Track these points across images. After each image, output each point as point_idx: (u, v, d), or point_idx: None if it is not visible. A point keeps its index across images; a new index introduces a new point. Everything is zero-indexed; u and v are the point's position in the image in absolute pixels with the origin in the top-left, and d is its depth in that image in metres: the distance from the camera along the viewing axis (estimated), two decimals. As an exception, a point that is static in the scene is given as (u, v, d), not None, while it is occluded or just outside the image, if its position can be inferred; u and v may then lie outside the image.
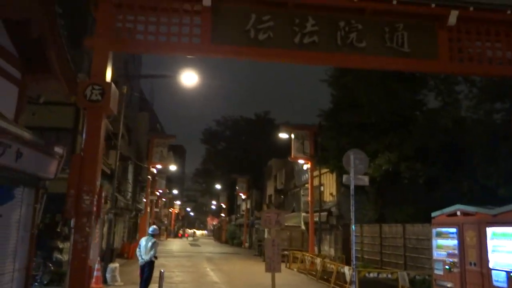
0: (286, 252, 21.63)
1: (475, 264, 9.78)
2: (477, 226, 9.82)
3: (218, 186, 63.07)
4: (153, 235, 10.63)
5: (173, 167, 37.11)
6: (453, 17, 9.97)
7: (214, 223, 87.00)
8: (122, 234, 26.49)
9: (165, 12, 9.54)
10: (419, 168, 14.38)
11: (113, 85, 9.02)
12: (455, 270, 10.32)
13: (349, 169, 10.04)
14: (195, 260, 25.14)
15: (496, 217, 9.38)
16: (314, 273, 16.73)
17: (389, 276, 12.15)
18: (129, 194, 28.05)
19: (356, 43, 9.92)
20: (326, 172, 23.03)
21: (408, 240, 15.25)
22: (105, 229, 15.81)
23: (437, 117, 14.12)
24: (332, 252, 22.48)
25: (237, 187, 46.73)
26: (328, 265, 15.34)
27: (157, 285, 10.12)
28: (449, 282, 10.51)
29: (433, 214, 11.58)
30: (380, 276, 12.33)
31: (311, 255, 19.02)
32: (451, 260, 10.59)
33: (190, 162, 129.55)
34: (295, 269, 19.36)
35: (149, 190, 29.81)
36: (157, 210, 46.94)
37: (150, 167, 28.51)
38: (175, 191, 68.60)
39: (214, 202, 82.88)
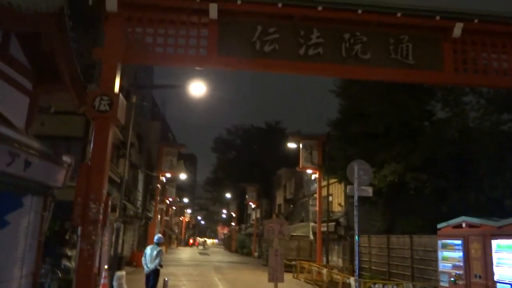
0: (293, 262, 21.62)
1: (480, 277, 9.71)
2: (482, 238, 9.76)
3: (228, 195, 63.16)
4: (158, 244, 10.76)
5: (183, 176, 37.29)
6: (458, 29, 10.04)
7: (224, 232, 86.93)
8: (132, 242, 26.68)
9: (173, 25, 9.77)
10: (425, 179, 14.32)
11: (121, 95, 9.24)
12: (460, 282, 10.26)
13: (353, 180, 10.08)
14: (203, 269, 25.20)
15: (501, 229, 9.33)
16: (321, 283, 16.67)
17: (395, 287, 12.08)
18: (139, 203, 28.28)
19: (360, 54, 10.03)
20: (334, 182, 22.98)
21: (415, 251, 15.14)
22: (113, 237, 15.98)
23: (444, 127, 14.07)
24: (341, 262, 22.35)
25: (247, 196, 46.76)
26: (335, 275, 15.30)
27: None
28: (455, 294, 10.44)
29: (439, 226, 11.55)
30: (386, 287, 12.27)
31: (318, 265, 18.95)
32: (456, 272, 10.53)
33: (201, 170, 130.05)
34: (302, 280, 19.29)
35: (158, 198, 30.01)
36: (167, 218, 47.10)
37: (160, 175, 28.72)
38: (185, 200, 68.77)
39: (224, 211, 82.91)
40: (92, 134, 10.89)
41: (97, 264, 8.64)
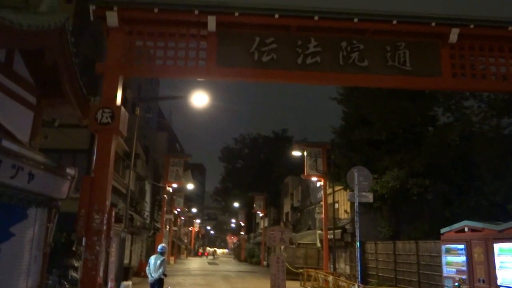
0: (300, 270, 21.60)
1: (483, 281, 9.68)
2: (484, 242, 9.75)
3: (236, 204, 63.18)
4: (162, 253, 10.87)
5: (190, 186, 37.50)
6: (454, 35, 10.12)
7: (234, 242, 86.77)
8: (140, 253, 26.81)
9: (172, 38, 9.98)
10: (427, 185, 14.31)
11: (122, 108, 9.43)
12: (464, 287, 10.22)
13: (353, 186, 10.14)
14: (211, 278, 25.21)
15: (502, 233, 9.32)
16: (328, 291, 16.67)
17: (400, 293, 12.06)
18: (146, 213, 28.46)
19: (358, 62, 10.12)
20: (340, 190, 22.99)
21: (421, 257, 15.08)
22: (115, 247, 16.12)
23: (446, 133, 14.09)
24: (348, 269, 22.25)
25: (254, 205, 46.76)
26: (340, 282, 15.29)
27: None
28: (460, 299, 10.40)
29: (442, 231, 11.54)
30: (391, 293, 12.25)
31: (324, 272, 18.93)
32: (462, 277, 10.49)
33: (211, 180, 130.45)
34: (309, 287, 19.27)
35: (165, 209, 30.17)
36: (175, 229, 47.20)
37: (166, 186, 28.91)
38: (194, 210, 68.86)
39: (233, 220, 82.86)
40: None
41: (101, 274, 8.76)
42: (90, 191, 8.73)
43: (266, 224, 46.65)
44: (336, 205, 23.88)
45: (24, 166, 7.00)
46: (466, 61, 10.38)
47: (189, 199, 68.02)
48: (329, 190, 23.65)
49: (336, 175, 19.88)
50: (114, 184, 17.44)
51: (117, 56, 9.62)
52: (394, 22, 9.95)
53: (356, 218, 10.21)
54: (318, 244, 26.31)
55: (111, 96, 9.36)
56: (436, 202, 15.15)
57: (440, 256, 12.56)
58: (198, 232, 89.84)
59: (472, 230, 10.29)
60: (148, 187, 30.64)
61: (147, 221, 28.94)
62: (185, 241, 68.32)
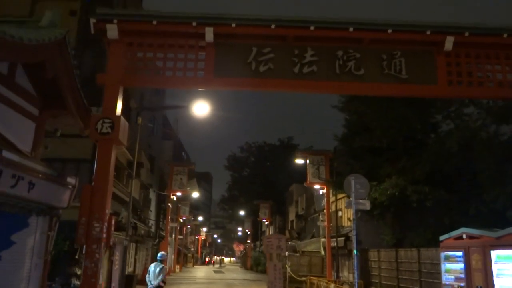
0: (304, 278, 21.59)
1: (482, 288, 9.67)
2: (482, 250, 9.75)
3: (242, 213, 63.21)
4: (161, 261, 11.00)
5: (195, 194, 37.60)
6: (449, 43, 10.20)
7: (240, 250, 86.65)
8: (145, 261, 26.93)
9: (171, 49, 10.19)
10: (426, 192, 14.32)
11: (122, 118, 9.63)
12: (463, 294, 10.21)
13: (350, 194, 10.22)
14: (216, 286, 25.26)
15: (499, 240, 9.33)
16: (329, 299, 16.67)
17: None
18: (151, 222, 28.62)
19: (354, 71, 10.24)
20: (343, 197, 22.99)
21: (423, 264, 15.05)
22: (118, 255, 16.28)
23: (445, 140, 14.13)
24: (351, 277, 22.19)
25: (260, 213, 46.78)
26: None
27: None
28: (459, 307, 10.38)
29: (441, 238, 11.54)
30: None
31: (326, 280, 18.92)
32: (459, 284, 10.49)
33: (218, 188, 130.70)
34: (312, 295, 19.30)
35: (169, 217, 30.30)
36: (181, 237, 47.29)
37: (170, 194, 29.09)
38: (200, 218, 68.95)
39: (240, 229, 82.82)
40: (97, 156, 11.20)
41: (100, 281, 8.90)
42: (90, 200, 8.90)
43: (271, 232, 46.60)
44: (340, 213, 23.89)
45: (24, 176, 7.19)
46: (462, 69, 10.43)
47: (196, 207, 68.17)
48: (333, 198, 23.67)
49: (338, 183, 19.88)
50: (117, 193, 17.69)
51: (118, 68, 9.84)
52: (389, 31, 10.07)
53: (353, 226, 10.26)
54: (322, 252, 26.27)
55: (111, 107, 9.56)
56: (437, 209, 15.14)
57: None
58: (205, 240, 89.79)
59: (470, 237, 10.30)
60: (153, 196, 30.84)
61: (152, 230, 29.10)
62: (192, 249, 68.36)
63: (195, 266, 63.52)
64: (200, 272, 45.20)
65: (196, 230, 72.25)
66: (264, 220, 47.73)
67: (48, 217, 8.50)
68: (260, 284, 28.44)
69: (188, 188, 32.12)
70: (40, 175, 7.65)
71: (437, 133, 16.81)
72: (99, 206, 8.92)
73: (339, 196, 22.67)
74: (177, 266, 43.80)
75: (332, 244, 22.69)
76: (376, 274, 19.18)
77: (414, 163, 15.77)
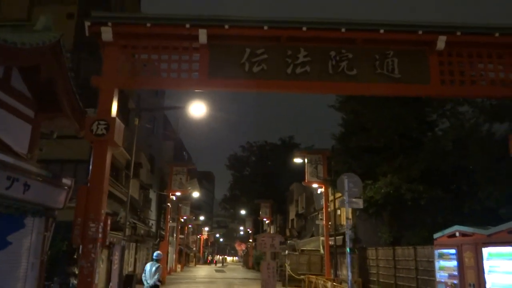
0: (302, 277, 21.70)
1: (474, 286, 9.75)
2: (474, 247, 9.83)
3: (243, 212, 63.29)
4: (157, 260, 11.13)
5: (196, 194, 37.72)
6: (441, 42, 10.26)
7: (242, 249, 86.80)
8: (145, 261, 27.09)
9: (166, 50, 10.29)
10: (421, 190, 14.40)
11: (117, 119, 9.75)
12: (456, 291, 10.30)
13: (344, 193, 10.32)
14: (215, 285, 25.40)
15: (490, 237, 9.40)
16: (327, 297, 16.78)
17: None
18: (151, 222, 28.76)
19: (347, 71, 10.32)
20: (341, 196, 23.08)
21: (419, 262, 15.13)
22: (117, 255, 16.42)
23: (440, 138, 14.21)
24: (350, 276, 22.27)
25: (260, 212, 46.89)
26: (338, 288, 15.42)
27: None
28: (452, 304, 10.47)
29: (435, 236, 11.63)
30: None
31: (324, 279, 19.02)
32: (452, 281, 10.58)
33: (221, 188, 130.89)
34: (310, 294, 19.42)
35: (169, 217, 30.46)
36: (182, 236, 47.46)
37: (170, 194, 29.26)
38: (202, 217, 69.09)
39: (241, 228, 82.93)
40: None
41: (96, 281, 9.02)
42: (86, 200, 9.03)
43: (272, 231, 46.70)
44: (338, 212, 23.97)
45: (19, 178, 7.31)
46: (454, 68, 10.49)
47: (198, 207, 68.24)
48: (331, 197, 23.77)
49: (336, 182, 19.99)
50: (115, 193, 17.84)
51: (112, 70, 9.96)
52: (382, 31, 10.15)
53: (347, 225, 10.38)
54: (322, 251, 26.37)
55: (106, 109, 9.67)
56: (432, 208, 15.22)
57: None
58: (207, 240, 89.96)
59: (463, 234, 10.38)
60: (153, 196, 31.00)
61: (153, 230, 29.25)
62: (194, 249, 68.53)
63: (197, 266, 63.68)
64: (202, 271, 45.37)
65: (198, 230, 72.40)
66: (265, 219, 47.85)
67: (44, 218, 8.62)
68: (260, 283, 28.59)
69: (189, 188, 32.23)
70: (35, 177, 7.77)
71: (433, 132, 16.89)
72: (94, 207, 9.04)
73: (338, 195, 22.73)
74: (179, 266, 43.96)
75: (330, 243, 22.79)
76: (374, 272, 19.27)
77: (411, 162, 15.85)
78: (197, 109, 15.39)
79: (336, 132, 20.36)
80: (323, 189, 24.13)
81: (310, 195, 32.05)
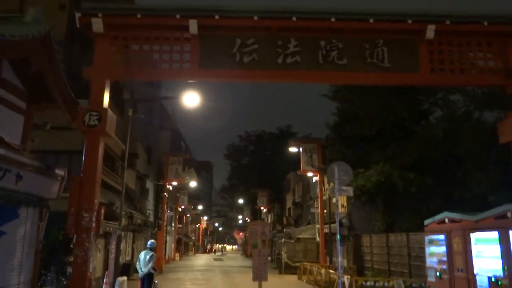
0: (298, 264, 21.99)
1: (462, 270, 9.97)
2: (463, 233, 10.03)
3: (242, 201, 63.59)
4: (151, 249, 11.30)
5: (193, 184, 37.94)
6: (430, 31, 10.32)
7: (241, 238, 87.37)
8: (142, 250, 27.34)
9: (157, 41, 10.34)
10: (412, 178, 14.56)
11: (109, 110, 9.84)
12: (445, 276, 10.52)
13: (334, 181, 10.46)
14: (211, 273, 25.69)
15: (478, 223, 9.60)
16: (320, 283, 17.01)
17: (386, 284, 12.38)
18: (148, 211, 28.96)
19: (337, 60, 10.39)
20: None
21: (412, 248, 15.37)
22: (114, 244, 16.61)
23: (432, 127, 14.33)
24: (345, 263, 22.56)
25: (258, 201, 47.16)
26: (331, 275, 15.64)
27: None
28: (441, 288, 10.70)
29: (425, 222, 11.82)
30: (377, 284, 12.56)
31: (318, 266, 19.29)
32: (442, 267, 10.79)
33: (220, 177, 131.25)
34: (304, 280, 19.67)
35: (165, 206, 30.69)
36: (180, 226, 47.77)
37: (166, 184, 29.44)
38: (200, 207, 69.42)
39: (240, 217, 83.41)
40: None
41: (91, 269, 9.19)
42: (79, 191, 9.17)
43: (270, 220, 47.03)
44: (333, 200, 24.14)
45: (11, 168, 7.40)
46: (444, 56, 10.57)
47: (197, 196, 68.47)
48: (327, 186, 23.95)
49: (330, 170, 20.15)
50: (111, 183, 17.96)
51: (104, 61, 10.03)
52: (371, 20, 10.19)
53: (336, 213, 10.58)
54: (318, 238, 26.62)
55: (98, 100, 9.77)
56: (424, 195, 15.41)
57: (427, 247, 12.81)
58: (206, 229, 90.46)
59: (452, 221, 10.58)
60: (150, 186, 31.16)
61: (150, 219, 29.46)
62: (193, 238, 68.99)
63: (196, 254, 64.20)
64: (200, 260, 45.79)
65: (197, 219, 72.79)
66: (262, 208, 48.14)
67: (38, 208, 8.73)
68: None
69: (186, 177, 32.41)
70: (27, 168, 7.86)
71: (426, 120, 17.00)
72: (88, 197, 9.19)
73: (332, 184, 22.92)
74: (177, 255, 44.35)
75: (326, 231, 23.04)
76: (369, 259, 19.55)
77: (403, 150, 15.99)
78: (191, 99, 15.47)
79: (330, 121, 20.52)
80: (318, 178, 24.31)
81: (307, 184, 32.25)
